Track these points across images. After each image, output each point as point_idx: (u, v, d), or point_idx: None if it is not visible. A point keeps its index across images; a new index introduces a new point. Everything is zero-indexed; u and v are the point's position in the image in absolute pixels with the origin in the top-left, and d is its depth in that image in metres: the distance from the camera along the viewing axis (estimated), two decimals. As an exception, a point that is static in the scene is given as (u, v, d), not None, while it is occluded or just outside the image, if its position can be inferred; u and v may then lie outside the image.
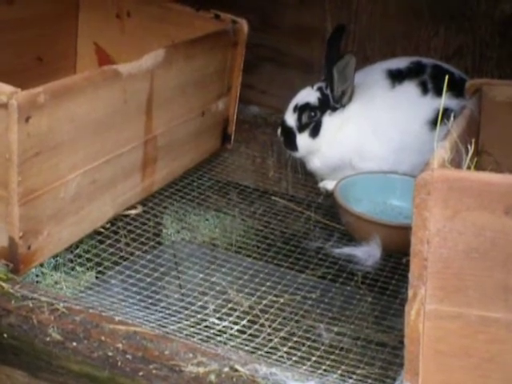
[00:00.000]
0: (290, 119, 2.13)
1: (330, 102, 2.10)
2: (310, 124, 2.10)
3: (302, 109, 2.11)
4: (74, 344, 1.42)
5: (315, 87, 2.13)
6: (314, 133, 2.11)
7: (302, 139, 2.12)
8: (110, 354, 1.40)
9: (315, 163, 2.15)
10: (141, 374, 1.36)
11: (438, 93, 2.04)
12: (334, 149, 2.12)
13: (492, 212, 1.18)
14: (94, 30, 2.40)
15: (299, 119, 2.11)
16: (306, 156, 2.15)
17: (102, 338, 1.43)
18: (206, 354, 1.40)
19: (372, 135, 2.08)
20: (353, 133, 2.10)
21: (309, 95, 2.12)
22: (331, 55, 2.10)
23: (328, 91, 2.09)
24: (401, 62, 2.13)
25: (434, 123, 2.01)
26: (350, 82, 2.07)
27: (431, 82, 2.07)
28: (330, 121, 2.10)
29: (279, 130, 2.17)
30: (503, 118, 1.76)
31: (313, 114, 2.10)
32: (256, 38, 2.34)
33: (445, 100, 1.92)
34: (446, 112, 1.75)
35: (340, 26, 2.17)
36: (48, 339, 1.43)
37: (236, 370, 1.36)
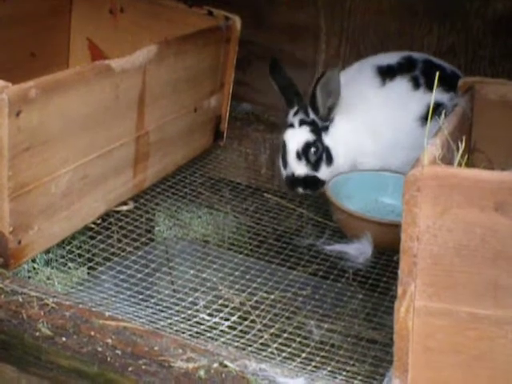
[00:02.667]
0: (300, 168, 2.06)
1: (319, 125, 2.07)
2: (321, 158, 2.06)
3: (304, 151, 2.06)
4: (64, 339, 1.42)
5: (296, 123, 2.07)
6: (329, 160, 2.07)
7: (323, 173, 2.07)
8: (100, 349, 1.40)
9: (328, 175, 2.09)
10: (130, 369, 1.36)
11: (430, 88, 2.03)
12: (344, 158, 2.09)
13: (482, 209, 1.18)
14: (87, 26, 2.40)
15: (308, 161, 2.06)
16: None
17: (92, 333, 1.43)
18: (195, 349, 1.40)
19: (368, 135, 2.08)
20: (350, 136, 2.09)
21: (300, 134, 2.07)
22: (284, 86, 2.10)
23: (311, 116, 2.06)
24: (391, 58, 2.13)
25: (426, 118, 2.01)
26: (335, 96, 2.03)
27: (423, 77, 2.07)
28: (331, 140, 2.07)
29: (299, 188, 2.07)
30: (495, 116, 1.76)
31: (316, 148, 2.05)
32: (249, 35, 2.34)
33: (436, 95, 1.92)
34: (438, 107, 1.76)
35: (272, 60, 2.15)
36: (37, 334, 1.43)
37: (225, 366, 1.36)
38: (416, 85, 2.06)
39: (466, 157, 1.41)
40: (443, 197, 1.19)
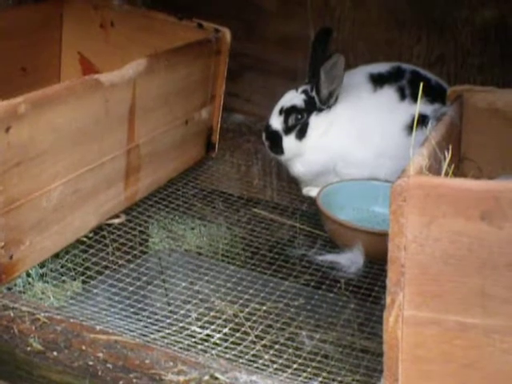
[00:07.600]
0: (276, 122, 2.12)
1: (317, 104, 2.09)
2: (296, 126, 2.10)
3: (288, 111, 2.10)
4: (55, 354, 1.42)
5: (300, 90, 2.12)
6: (301, 134, 2.10)
7: (288, 141, 2.11)
8: (91, 363, 1.40)
9: (299, 168, 2.15)
10: (121, 383, 1.36)
11: (415, 98, 2.05)
12: (319, 153, 2.12)
13: (468, 218, 1.18)
14: (78, 40, 2.40)
15: (285, 121, 2.10)
16: (291, 159, 2.14)
17: (83, 347, 1.43)
18: (186, 362, 1.40)
19: (357, 140, 2.09)
20: (338, 137, 2.10)
21: (294, 98, 2.11)
22: (316, 57, 2.11)
23: (313, 93, 2.09)
24: (382, 67, 2.14)
25: (410, 128, 2.03)
26: (337, 82, 2.05)
27: (409, 88, 2.08)
28: (316, 122, 2.09)
29: (264, 135, 2.15)
30: (484, 124, 1.77)
31: (299, 116, 2.09)
32: (240, 46, 2.35)
33: (421, 106, 1.94)
34: (423, 119, 1.76)
35: (326, 28, 2.18)
36: (29, 349, 1.43)
37: (216, 378, 1.36)
38: (402, 95, 2.08)
39: (453, 166, 1.42)
40: (429, 206, 1.19)
